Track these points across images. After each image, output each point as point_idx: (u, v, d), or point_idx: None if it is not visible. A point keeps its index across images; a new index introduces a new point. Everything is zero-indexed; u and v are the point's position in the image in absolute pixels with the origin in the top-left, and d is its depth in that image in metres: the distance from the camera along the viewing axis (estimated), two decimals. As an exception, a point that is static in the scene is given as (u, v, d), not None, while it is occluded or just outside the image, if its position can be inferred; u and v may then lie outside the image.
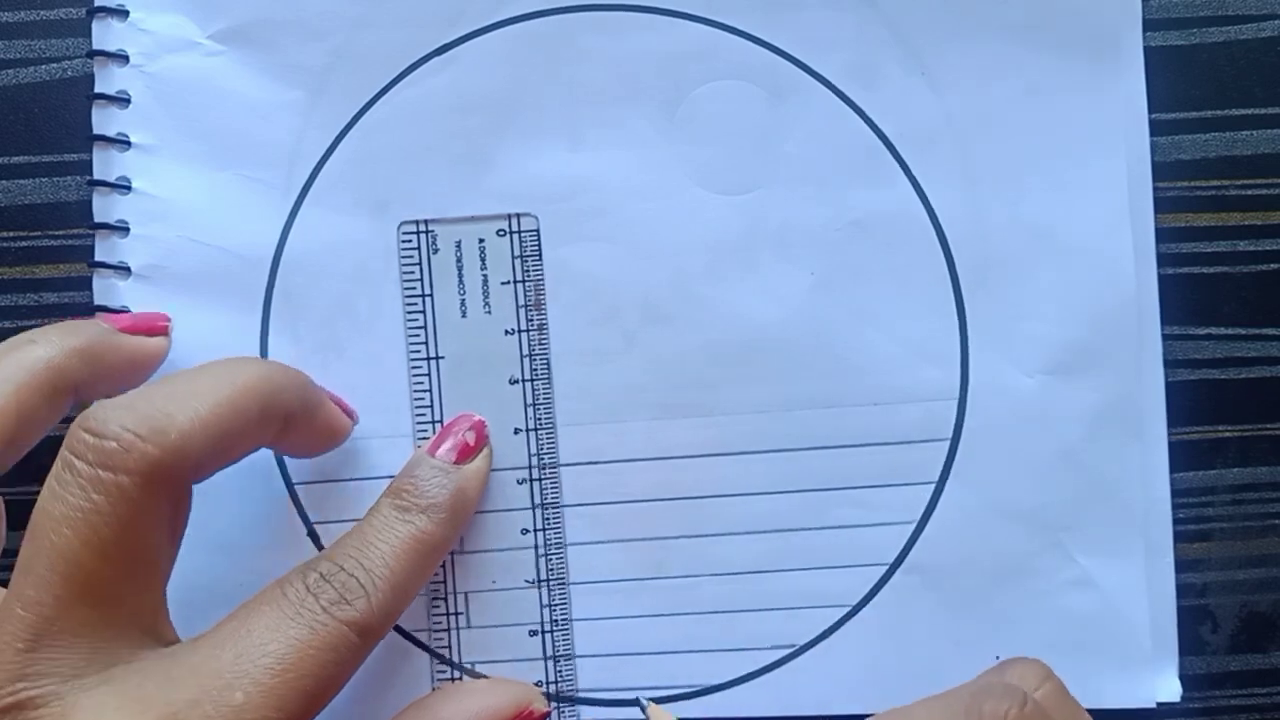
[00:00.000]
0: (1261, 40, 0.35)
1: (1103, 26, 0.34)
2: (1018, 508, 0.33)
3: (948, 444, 0.34)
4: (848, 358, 0.34)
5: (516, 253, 0.34)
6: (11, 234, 0.35)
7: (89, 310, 0.34)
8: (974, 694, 0.28)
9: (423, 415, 0.34)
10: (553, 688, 0.33)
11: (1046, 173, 0.34)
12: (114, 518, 0.26)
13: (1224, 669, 0.34)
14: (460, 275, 0.34)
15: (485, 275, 0.34)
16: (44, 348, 0.29)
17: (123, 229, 0.34)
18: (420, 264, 0.34)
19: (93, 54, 0.34)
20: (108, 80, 0.34)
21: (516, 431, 0.34)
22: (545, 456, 0.34)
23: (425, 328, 0.34)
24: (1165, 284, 0.34)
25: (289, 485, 0.34)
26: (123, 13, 0.34)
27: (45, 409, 0.29)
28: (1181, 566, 0.34)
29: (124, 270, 0.34)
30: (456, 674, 0.33)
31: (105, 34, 0.34)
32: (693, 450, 0.34)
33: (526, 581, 0.33)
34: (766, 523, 0.34)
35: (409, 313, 0.34)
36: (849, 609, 0.34)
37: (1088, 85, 0.34)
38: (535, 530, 0.34)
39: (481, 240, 0.34)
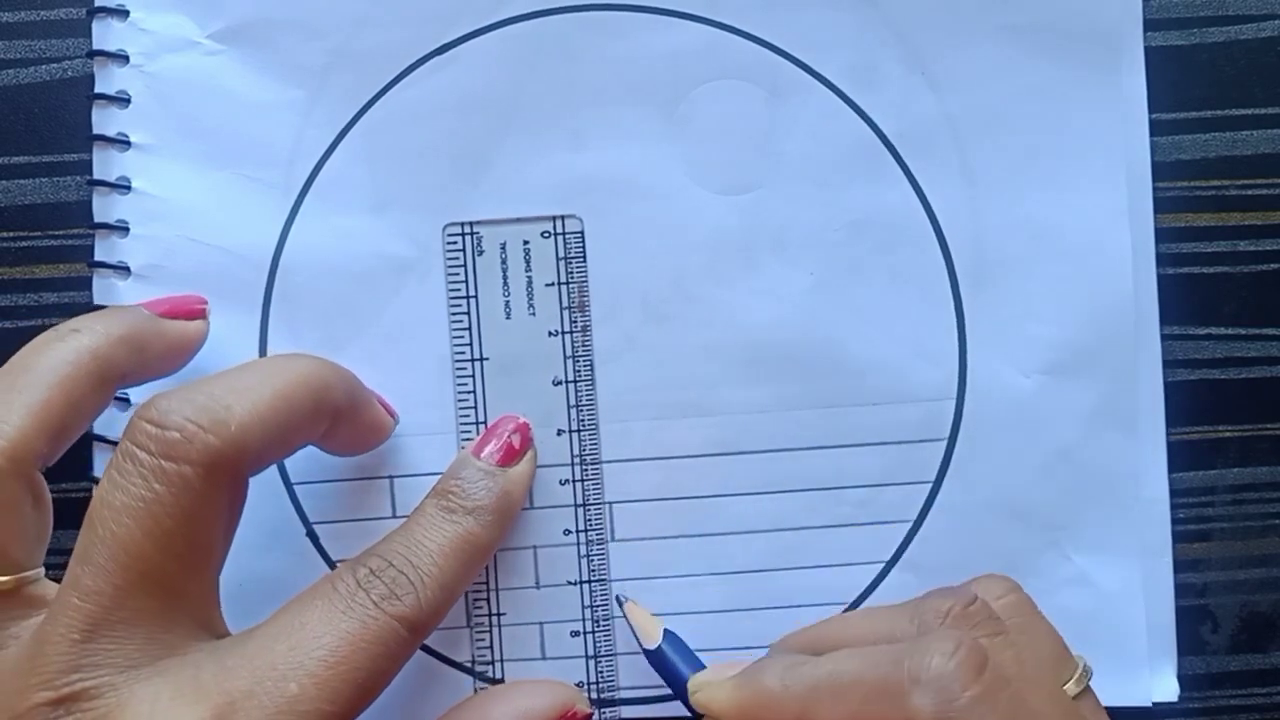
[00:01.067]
0: (1261, 40, 0.35)
1: (1103, 26, 0.34)
2: (1015, 507, 0.33)
3: (945, 443, 0.34)
4: (847, 358, 0.34)
5: (561, 254, 0.34)
6: (11, 234, 0.35)
7: (88, 310, 0.34)
8: (923, 596, 0.29)
9: (466, 416, 0.34)
10: (594, 689, 0.33)
11: (1046, 173, 0.34)
12: (175, 508, 0.26)
13: (1224, 669, 0.34)
14: (505, 277, 0.34)
15: (530, 277, 0.34)
16: (89, 336, 0.29)
17: (122, 229, 0.34)
18: (465, 265, 0.34)
19: (93, 54, 0.34)
20: (108, 80, 0.34)
21: (560, 433, 0.34)
22: (588, 457, 0.34)
23: (470, 329, 0.34)
24: (1165, 284, 0.34)
25: (288, 485, 0.34)
26: (123, 12, 0.34)
27: (93, 399, 0.29)
28: (1182, 566, 0.34)
29: (124, 270, 0.34)
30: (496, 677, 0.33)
31: (105, 34, 0.34)
32: (692, 450, 0.34)
33: (569, 581, 0.34)
34: (765, 522, 0.34)
35: (453, 314, 0.34)
36: (846, 606, 0.34)
37: (1088, 85, 0.34)
38: (578, 531, 0.34)
39: (526, 242, 0.34)
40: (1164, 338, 0.34)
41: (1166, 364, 0.34)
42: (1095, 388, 0.33)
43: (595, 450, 0.34)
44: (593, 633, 0.33)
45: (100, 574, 0.25)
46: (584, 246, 0.34)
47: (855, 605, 0.34)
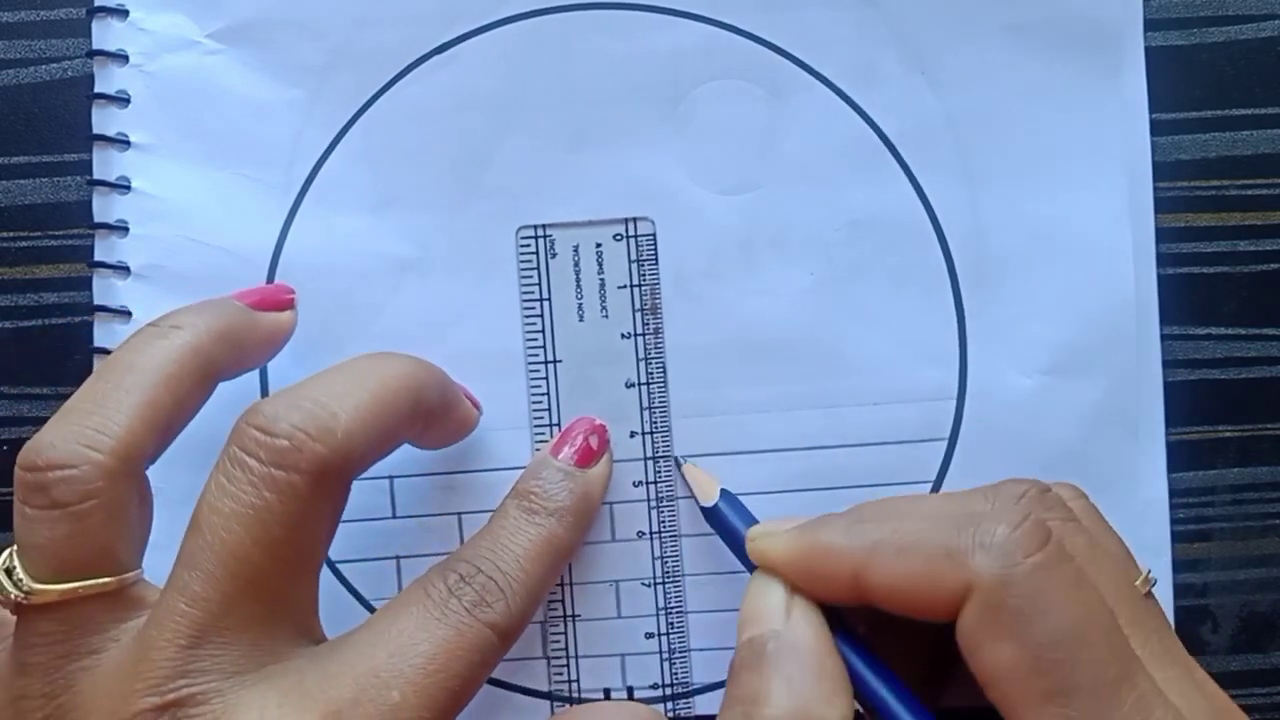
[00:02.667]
0: (1261, 40, 0.35)
1: (1104, 26, 0.34)
2: (1016, 508, 0.33)
3: (945, 443, 0.34)
4: (847, 358, 0.34)
5: (633, 257, 0.34)
6: (11, 234, 0.35)
7: (88, 310, 0.34)
8: (999, 482, 0.28)
9: (540, 418, 0.34)
10: (668, 690, 0.33)
11: (1046, 172, 0.34)
12: (284, 516, 0.26)
13: (1224, 669, 0.34)
14: (578, 279, 0.34)
15: (602, 279, 0.34)
16: (190, 333, 0.29)
17: (122, 229, 0.34)
18: (538, 268, 0.34)
19: (92, 54, 0.34)
20: (107, 80, 0.34)
21: (633, 435, 0.34)
22: (661, 459, 0.34)
23: (543, 331, 0.34)
24: (1165, 284, 0.34)
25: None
26: (122, 12, 0.34)
27: (196, 396, 0.29)
28: (1182, 566, 0.34)
29: (123, 270, 0.34)
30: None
31: (105, 34, 0.34)
32: (691, 450, 0.34)
33: (643, 583, 0.34)
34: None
35: (527, 316, 0.34)
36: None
37: (1088, 85, 0.34)
38: (651, 533, 0.34)
39: (599, 245, 0.34)
40: (1164, 338, 0.34)
41: (1166, 364, 0.34)
42: (1096, 388, 0.33)
43: (669, 451, 0.34)
44: (667, 634, 0.34)
45: (209, 580, 0.25)
46: (655, 249, 0.34)
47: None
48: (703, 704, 0.34)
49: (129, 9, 0.34)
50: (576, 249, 0.34)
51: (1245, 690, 0.34)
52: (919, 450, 0.34)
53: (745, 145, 0.34)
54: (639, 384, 0.34)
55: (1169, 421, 0.34)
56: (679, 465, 0.33)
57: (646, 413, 0.34)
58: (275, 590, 0.26)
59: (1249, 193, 0.35)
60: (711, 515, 0.32)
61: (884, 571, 0.27)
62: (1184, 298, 0.34)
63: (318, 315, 0.34)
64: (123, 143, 0.34)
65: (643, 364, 0.34)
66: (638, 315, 0.34)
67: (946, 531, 0.26)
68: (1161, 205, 0.34)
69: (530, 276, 0.34)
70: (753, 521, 0.31)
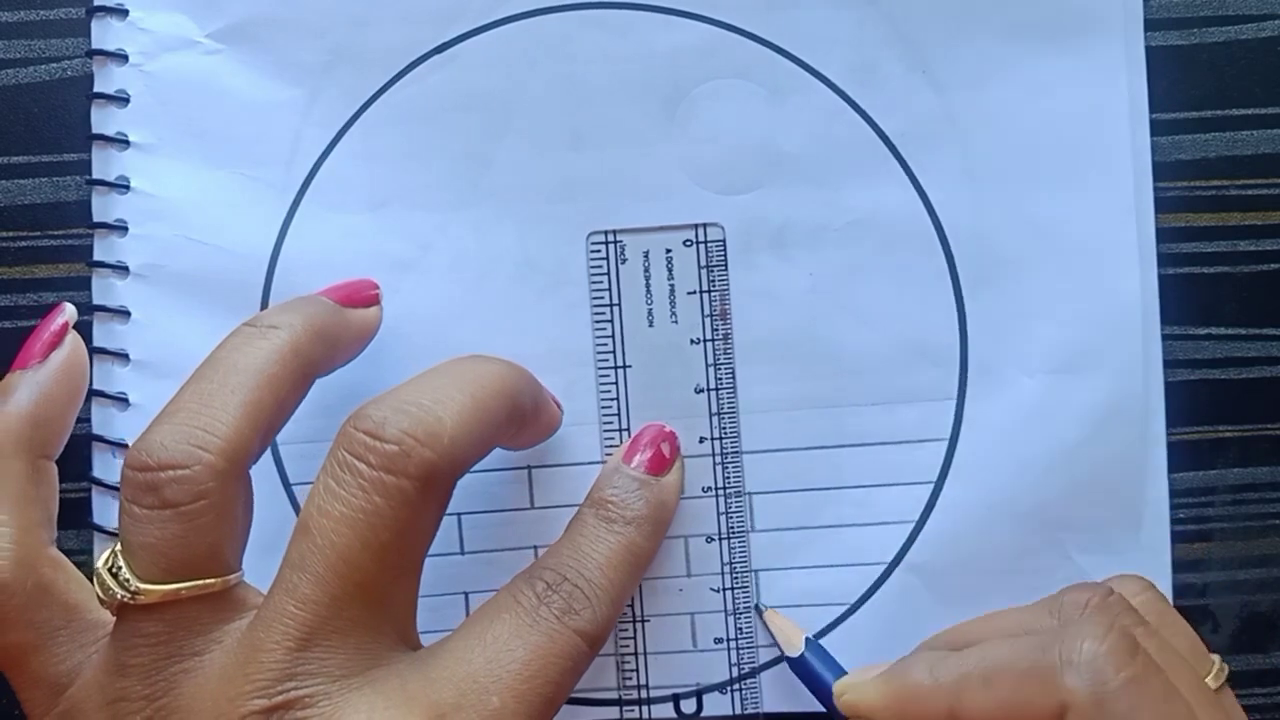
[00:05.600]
0: (1261, 40, 0.35)
1: (1104, 25, 0.34)
2: (1016, 507, 0.33)
3: (946, 443, 0.34)
4: (847, 358, 0.34)
5: (703, 263, 0.34)
6: (11, 234, 0.35)
7: (87, 310, 0.34)
8: (1059, 592, 0.29)
9: (610, 423, 0.34)
10: (737, 697, 0.34)
11: (1048, 171, 0.34)
12: (393, 520, 0.26)
13: (1224, 669, 0.34)
14: (648, 285, 0.34)
15: (672, 285, 0.34)
16: (288, 332, 0.29)
17: (121, 228, 0.34)
18: (608, 274, 0.34)
19: (92, 53, 0.34)
20: (107, 79, 0.34)
21: (702, 440, 0.34)
22: (730, 465, 0.34)
23: (613, 336, 0.34)
24: (1165, 284, 0.34)
25: (286, 486, 0.34)
26: (122, 12, 0.34)
27: (295, 395, 0.29)
28: (1182, 566, 0.34)
29: (123, 270, 0.34)
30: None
31: (104, 33, 0.34)
32: (691, 450, 0.34)
33: (712, 588, 0.34)
34: (766, 521, 0.34)
35: (597, 322, 0.34)
36: (848, 607, 0.34)
37: (1089, 84, 0.34)
38: (720, 537, 0.34)
39: (669, 250, 0.34)
40: (1164, 338, 0.34)
41: (1167, 364, 0.34)
42: (1097, 387, 0.33)
43: (737, 459, 0.34)
44: (735, 638, 0.34)
45: (318, 583, 0.25)
46: (725, 254, 0.34)
47: (858, 607, 0.34)
48: (770, 701, 0.34)
49: (128, 9, 0.34)
50: (646, 255, 0.34)
51: (1245, 690, 0.34)
52: (919, 450, 0.34)
53: (745, 145, 0.34)
54: (708, 389, 0.34)
55: (1169, 421, 0.34)
56: (760, 613, 0.33)
57: (716, 418, 0.34)
58: (381, 594, 0.26)
59: (1249, 193, 0.35)
60: (798, 666, 0.32)
61: (977, 704, 0.27)
62: (1184, 298, 0.34)
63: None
64: (122, 142, 0.34)
65: (712, 369, 0.34)
66: (707, 320, 0.34)
67: (1031, 652, 0.27)
68: (1161, 205, 0.34)
69: (601, 282, 0.34)
70: (839, 671, 0.32)
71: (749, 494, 0.34)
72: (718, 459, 0.34)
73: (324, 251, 0.34)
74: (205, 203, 0.34)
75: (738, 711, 0.34)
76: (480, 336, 0.34)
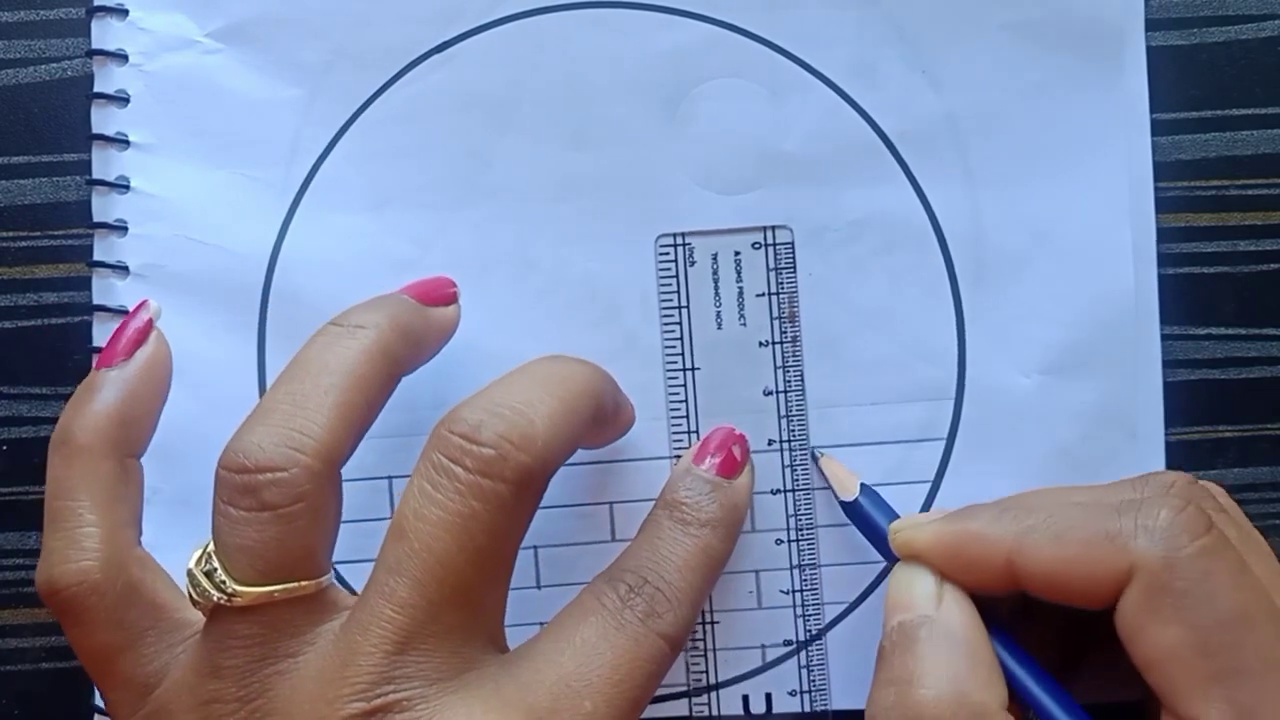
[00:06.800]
0: (1261, 40, 0.34)
1: (1105, 25, 0.34)
2: (1015, 508, 0.33)
3: (944, 443, 0.34)
4: (847, 357, 0.34)
5: (771, 265, 0.34)
6: (11, 234, 0.35)
7: (87, 310, 0.34)
8: (1146, 474, 0.29)
9: (679, 425, 0.34)
10: (805, 698, 0.34)
11: (1047, 172, 0.34)
12: (490, 524, 0.26)
13: (1223, 669, 0.34)
14: (716, 287, 0.34)
15: (740, 287, 0.34)
16: (375, 332, 0.29)
17: (121, 228, 0.34)
18: (677, 276, 0.34)
19: (92, 53, 0.34)
20: (107, 79, 0.34)
21: (770, 443, 0.34)
22: (799, 469, 0.34)
23: (681, 339, 0.34)
24: (1165, 284, 0.34)
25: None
26: (122, 11, 0.34)
27: (383, 395, 0.29)
28: (1181, 566, 0.34)
29: (123, 270, 0.34)
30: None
31: (104, 33, 0.34)
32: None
33: (781, 591, 0.34)
34: (765, 521, 0.34)
35: (665, 324, 0.34)
36: (846, 605, 0.34)
37: (1089, 84, 0.34)
38: (789, 541, 0.34)
39: (737, 253, 0.34)
40: (1164, 338, 0.34)
41: (1166, 364, 0.34)
42: (1095, 388, 0.33)
43: (806, 461, 0.34)
44: (805, 646, 0.34)
45: (415, 587, 0.26)
46: (794, 257, 0.34)
47: (858, 605, 0.34)
48: (839, 699, 0.34)
49: (128, 8, 0.34)
50: (715, 257, 0.34)
51: (1245, 690, 0.34)
52: (917, 450, 0.34)
53: (746, 144, 0.34)
54: (777, 391, 0.34)
55: (1169, 421, 0.34)
56: (815, 458, 0.33)
57: (784, 420, 0.34)
58: (475, 598, 0.26)
59: (1249, 193, 0.34)
60: (851, 510, 0.32)
61: (1039, 556, 0.27)
62: (1184, 298, 0.34)
63: (316, 314, 0.33)
64: (122, 142, 0.34)
65: (780, 371, 0.34)
66: (775, 323, 0.34)
67: (1105, 516, 0.27)
68: (1161, 205, 0.34)
69: (669, 284, 0.34)
70: (893, 515, 0.31)
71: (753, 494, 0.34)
72: (786, 462, 0.34)
73: (324, 251, 0.34)
74: (205, 203, 0.34)
75: (806, 710, 0.34)
76: (481, 337, 0.34)
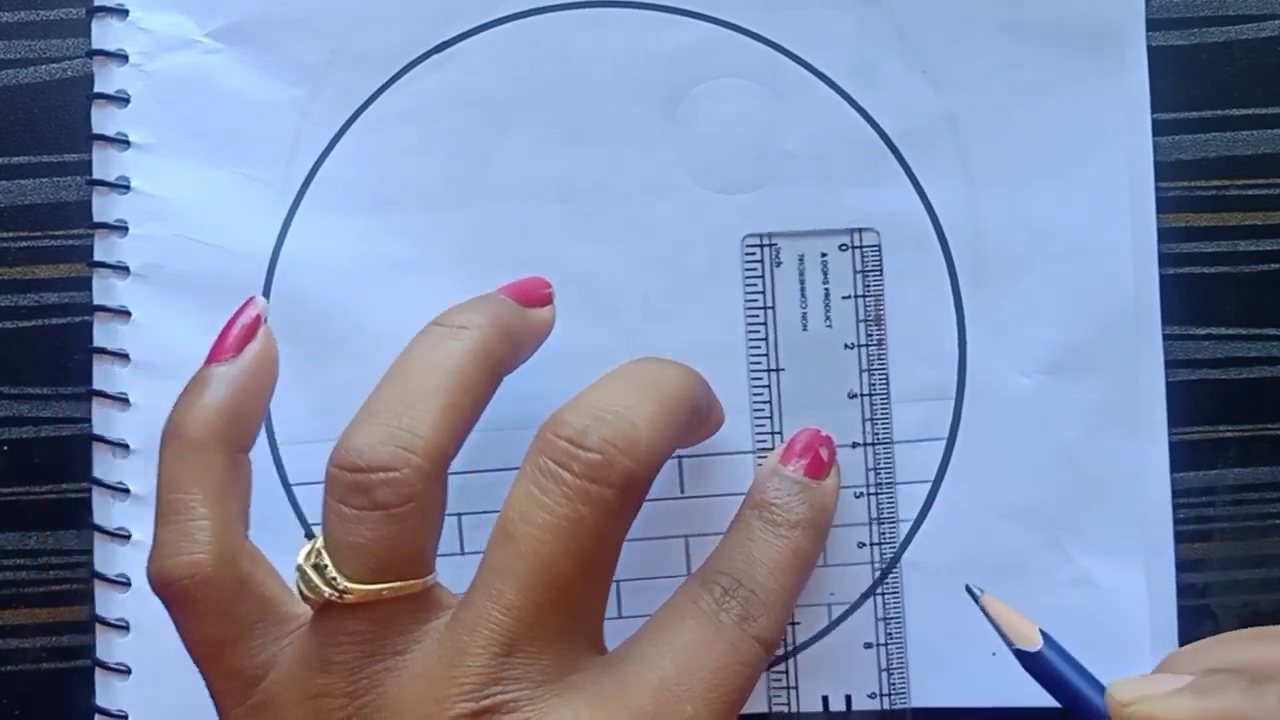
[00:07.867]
0: (1261, 40, 0.34)
1: (1106, 25, 0.34)
2: (1015, 507, 0.33)
3: (944, 443, 0.34)
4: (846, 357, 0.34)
5: (858, 267, 0.34)
6: (11, 234, 0.35)
7: (88, 310, 0.34)
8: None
9: (762, 426, 0.34)
10: (884, 700, 0.33)
11: (1048, 172, 0.34)
12: (596, 529, 0.26)
13: (1224, 669, 0.34)
14: (802, 289, 0.34)
15: (827, 289, 0.34)
16: (479, 332, 0.29)
17: (122, 228, 0.34)
18: (763, 276, 0.34)
19: (92, 53, 0.34)
20: (107, 79, 0.34)
21: (854, 445, 0.34)
22: (883, 472, 0.34)
23: (766, 340, 0.34)
24: (1165, 284, 0.34)
25: (287, 486, 0.34)
26: (122, 12, 0.34)
27: (486, 396, 0.29)
28: (1182, 566, 0.34)
29: (123, 270, 0.34)
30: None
31: (105, 33, 0.34)
32: (692, 450, 0.34)
33: (862, 594, 0.34)
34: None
35: (750, 325, 0.34)
36: (847, 606, 0.34)
37: (1090, 84, 0.34)
38: (871, 544, 0.34)
39: (824, 255, 0.34)
40: (1165, 338, 0.34)
41: (1167, 364, 0.34)
42: (1096, 387, 0.33)
43: (890, 464, 0.34)
44: (885, 645, 0.34)
45: (523, 590, 0.26)
46: (880, 259, 0.34)
47: (858, 605, 0.34)
48: (918, 698, 0.34)
49: (128, 8, 0.34)
50: (801, 259, 0.34)
51: (1245, 690, 0.34)
52: (918, 450, 0.34)
53: (746, 144, 0.34)
54: (861, 395, 0.34)
55: (1170, 421, 0.34)
56: (975, 597, 0.31)
57: (869, 424, 0.34)
58: (580, 601, 0.27)
59: (1249, 193, 0.34)
60: (1033, 662, 0.30)
61: None
62: (1185, 298, 0.34)
63: (316, 314, 0.34)
64: (122, 142, 0.34)
65: (865, 375, 0.34)
66: (861, 326, 0.34)
67: None
68: (1161, 205, 0.34)
69: (755, 285, 0.34)
70: (1081, 668, 0.29)
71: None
72: (869, 465, 0.34)
73: (324, 251, 0.34)
74: (205, 203, 0.34)
75: (885, 708, 0.33)
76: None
